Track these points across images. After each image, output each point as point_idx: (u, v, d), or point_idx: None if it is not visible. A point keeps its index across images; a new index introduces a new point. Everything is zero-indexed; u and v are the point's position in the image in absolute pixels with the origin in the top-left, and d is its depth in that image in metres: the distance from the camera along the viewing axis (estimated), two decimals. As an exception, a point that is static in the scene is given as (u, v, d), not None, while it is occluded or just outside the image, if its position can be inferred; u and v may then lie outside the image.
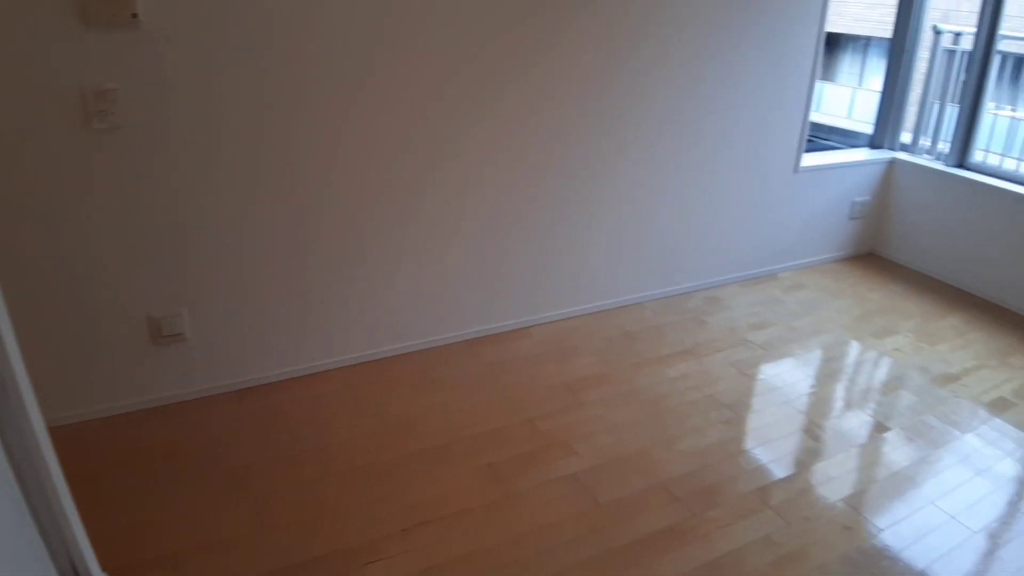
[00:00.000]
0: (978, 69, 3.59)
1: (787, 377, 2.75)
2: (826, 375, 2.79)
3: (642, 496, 2.08)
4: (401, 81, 2.38)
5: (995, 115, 3.73)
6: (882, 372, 2.87)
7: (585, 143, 2.82)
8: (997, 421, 2.57)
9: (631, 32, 2.75)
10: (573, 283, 3.05)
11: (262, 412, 2.40)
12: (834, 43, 12.07)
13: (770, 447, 2.33)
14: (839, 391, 2.69)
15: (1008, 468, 2.31)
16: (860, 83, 11.40)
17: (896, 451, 2.36)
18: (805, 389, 2.68)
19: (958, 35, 3.73)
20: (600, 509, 2.02)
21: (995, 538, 2.01)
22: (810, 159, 3.64)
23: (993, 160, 3.72)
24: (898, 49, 3.87)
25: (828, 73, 12.10)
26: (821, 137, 3.74)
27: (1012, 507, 2.14)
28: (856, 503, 2.11)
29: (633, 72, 2.82)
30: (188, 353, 2.38)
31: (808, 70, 3.30)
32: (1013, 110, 3.78)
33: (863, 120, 9.28)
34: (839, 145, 4.33)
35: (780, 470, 2.23)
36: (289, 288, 2.46)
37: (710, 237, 3.36)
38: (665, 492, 2.10)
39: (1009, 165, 3.63)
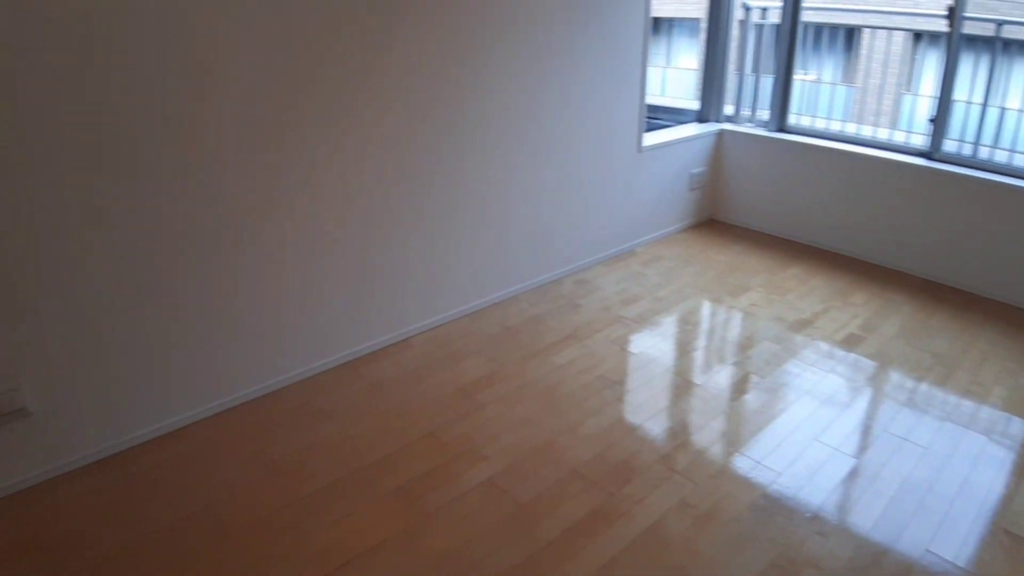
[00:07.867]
0: (787, 41, 3.92)
1: (664, 346, 2.86)
2: (699, 338, 2.93)
3: (559, 487, 2.07)
4: (245, 97, 2.21)
5: (802, 80, 4.09)
6: (748, 327, 3.05)
7: (436, 144, 2.76)
8: (852, 356, 2.82)
9: (470, 30, 2.73)
10: (445, 286, 2.99)
11: (129, 482, 2.13)
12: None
13: (663, 415, 2.41)
14: (713, 351, 2.84)
15: (870, 397, 2.54)
16: (668, 63, 12.15)
17: (773, 398, 2.52)
18: (684, 354, 2.80)
19: (765, 10, 4.05)
20: (522, 510, 1.99)
21: (873, 461, 2.20)
22: (649, 138, 3.82)
23: (805, 121, 4.09)
24: (714, 27, 4.15)
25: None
26: (651, 117, 3.91)
27: (882, 430, 2.35)
28: (750, 452, 2.22)
29: (476, 71, 2.79)
30: (33, 429, 2.08)
31: (639, 56, 3.46)
32: (815, 75, 4.17)
33: (677, 97, 9.90)
34: (669, 122, 4.57)
35: (677, 435, 2.31)
36: (139, 336, 2.21)
37: (570, 222, 3.42)
38: (580, 478, 2.11)
39: (820, 125, 4.02)
